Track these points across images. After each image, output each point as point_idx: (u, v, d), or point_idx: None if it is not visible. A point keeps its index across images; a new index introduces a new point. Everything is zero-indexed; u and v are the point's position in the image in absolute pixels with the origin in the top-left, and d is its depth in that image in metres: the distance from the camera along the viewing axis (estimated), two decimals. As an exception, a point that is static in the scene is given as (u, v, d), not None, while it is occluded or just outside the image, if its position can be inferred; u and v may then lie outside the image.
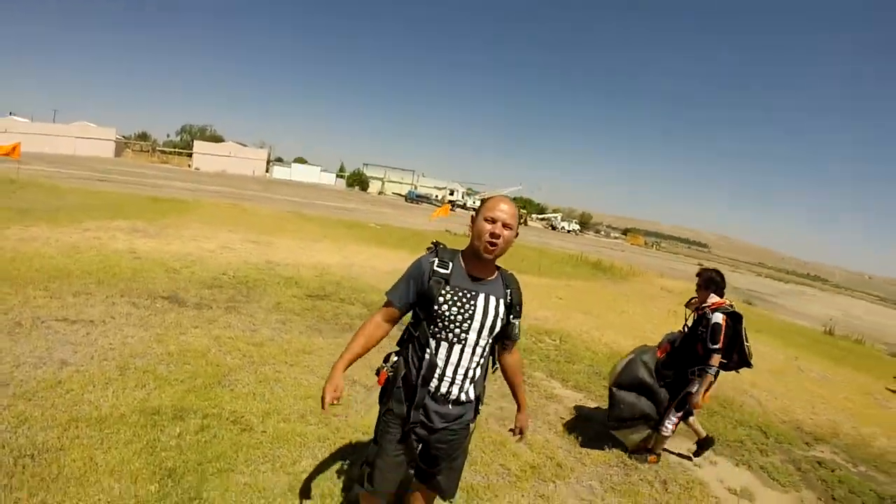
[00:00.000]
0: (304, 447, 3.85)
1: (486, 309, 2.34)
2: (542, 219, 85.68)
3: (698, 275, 4.90)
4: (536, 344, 7.89)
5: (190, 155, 64.95)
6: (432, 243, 2.46)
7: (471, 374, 2.39)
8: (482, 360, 2.44)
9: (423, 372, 2.33)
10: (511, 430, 2.78)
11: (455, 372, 2.34)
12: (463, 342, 2.33)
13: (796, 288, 44.40)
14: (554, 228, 75.12)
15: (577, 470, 4.35)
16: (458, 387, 2.36)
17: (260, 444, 3.78)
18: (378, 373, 2.46)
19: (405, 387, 2.39)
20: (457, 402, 2.39)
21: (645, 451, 4.81)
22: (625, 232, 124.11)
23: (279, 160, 75.67)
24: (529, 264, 17.66)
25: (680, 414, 4.74)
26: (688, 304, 5.04)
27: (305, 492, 3.34)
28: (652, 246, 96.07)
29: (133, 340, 5.20)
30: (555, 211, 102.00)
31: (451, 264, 2.34)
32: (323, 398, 2.26)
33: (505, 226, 2.28)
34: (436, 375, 2.34)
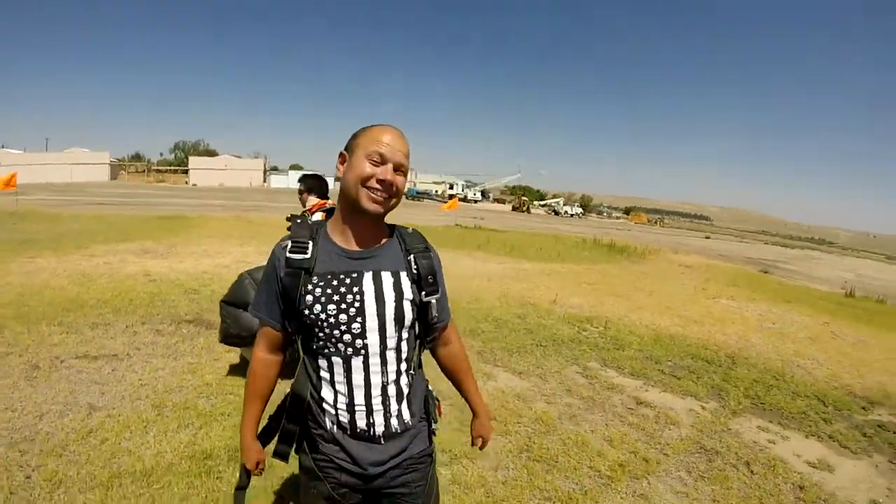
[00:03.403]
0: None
1: (380, 292, 1.59)
2: (544, 205, 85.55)
3: (300, 182, 4.53)
4: (581, 333, 7.59)
5: (186, 171, 64.61)
6: (287, 219, 1.77)
7: (392, 390, 1.64)
8: (406, 367, 1.68)
9: (287, 406, 1.70)
10: (472, 442, 2.00)
11: (368, 396, 1.61)
12: (362, 352, 1.59)
13: (805, 253, 44.72)
14: (557, 214, 74.83)
15: (662, 462, 4.11)
16: (382, 414, 1.63)
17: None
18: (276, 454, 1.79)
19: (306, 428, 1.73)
20: (388, 434, 1.64)
21: None
22: (626, 211, 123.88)
23: (275, 169, 75.29)
24: (548, 252, 17.60)
25: None
26: (300, 215, 4.76)
27: None
28: (655, 223, 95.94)
29: (164, 373, 4.73)
30: (555, 196, 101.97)
31: (310, 245, 1.59)
32: (247, 470, 1.75)
33: (398, 169, 1.58)
34: (342, 406, 1.61)
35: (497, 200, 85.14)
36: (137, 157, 78.99)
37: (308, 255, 1.58)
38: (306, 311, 1.56)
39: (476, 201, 74.13)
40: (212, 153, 76.49)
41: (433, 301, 1.70)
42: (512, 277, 11.74)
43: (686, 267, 18.75)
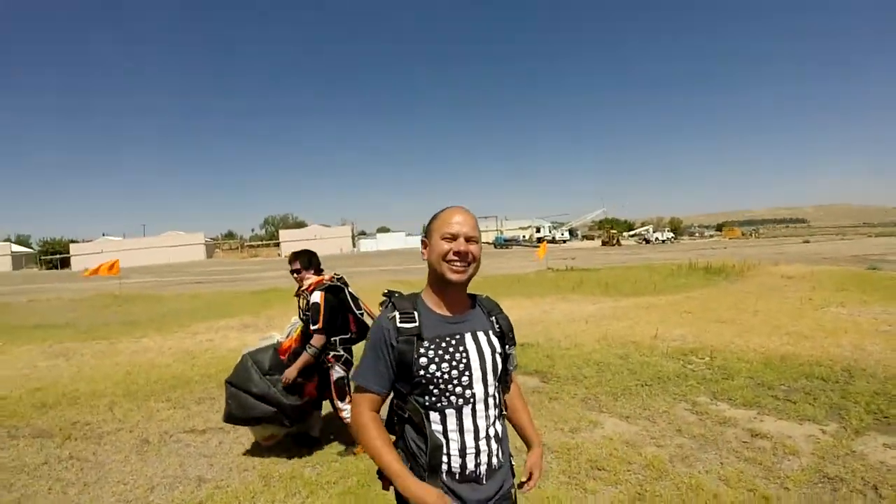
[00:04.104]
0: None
1: (480, 349, 1.86)
2: (633, 235, 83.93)
3: (290, 262, 4.90)
4: (686, 367, 7.13)
5: (277, 244, 67.35)
6: (384, 294, 1.92)
7: (492, 432, 1.88)
8: (499, 412, 1.94)
9: (427, 458, 1.79)
10: (520, 483, 2.04)
11: (476, 439, 1.83)
12: (471, 401, 1.83)
13: (910, 240, 41.47)
14: (647, 242, 73.19)
15: (783, 498, 3.78)
16: (487, 454, 1.85)
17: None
18: (381, 476, 1.87)
19: None
20: (489, 473, 1.86)
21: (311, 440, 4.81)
22: (719, 228, 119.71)
23: (363, 233, 77.47)
24: (643, 285, 17.00)
25: (347, 400, 4.49)
26: (297, 294, 4.87)
27: None
28: (750, 235, 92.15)
29: (270, 443, 4.77)
30: (643, 224, 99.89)
31: (416, 314, 1.84)
32: None
33: (469, 239, 1.84)
34: (454, 452, 1.81)
35: (586, 237, 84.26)
36: (230, 235, 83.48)
37: (417, 324, 1.81)
38: (421, 372, 1.78)
39: (564, 241, 73.47)
40: (301, 224, 79.88)
41: (513, 353, 2.00)
42: (610, 317, 11.36)
43: (788, 278, 17.59)
